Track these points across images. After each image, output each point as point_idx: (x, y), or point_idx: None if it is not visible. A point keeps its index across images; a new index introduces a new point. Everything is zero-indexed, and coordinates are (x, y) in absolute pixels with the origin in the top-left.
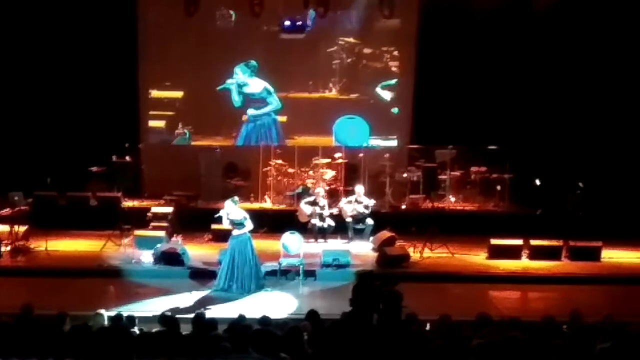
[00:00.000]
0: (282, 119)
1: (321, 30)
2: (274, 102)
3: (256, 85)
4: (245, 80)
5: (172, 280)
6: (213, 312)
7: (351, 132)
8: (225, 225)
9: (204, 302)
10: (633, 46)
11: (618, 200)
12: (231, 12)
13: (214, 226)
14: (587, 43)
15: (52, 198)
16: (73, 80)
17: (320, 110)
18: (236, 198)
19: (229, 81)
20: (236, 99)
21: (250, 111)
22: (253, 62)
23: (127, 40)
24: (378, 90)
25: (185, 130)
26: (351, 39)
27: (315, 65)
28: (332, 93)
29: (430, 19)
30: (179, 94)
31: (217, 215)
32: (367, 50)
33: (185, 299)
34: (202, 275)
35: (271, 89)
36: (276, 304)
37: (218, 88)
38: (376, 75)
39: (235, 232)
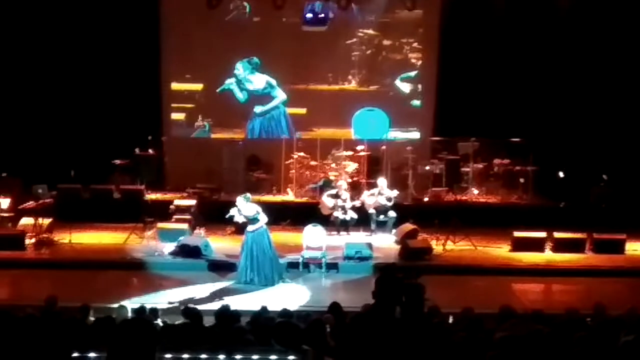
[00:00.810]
0: (301, 111)
1: (342, 22)
2: (279, 95)
3: (258, 81)
4: (247, 77)
5: (194, 272)
6: (235, 304)
7: (370, 124)
8: (240, 221)
9: (226, 294)
10: None
11: None
12: (245, 4)
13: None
14: (609, 35)
15: (75, 191)
16: (96, 74)
17: (340, 102)
18: (248, 195)
19: (227, 81)
20: (240, 96)
21: (258, 108)
22: (255, 59)
23: (149, 34)
24: (397, 82)
25: (205, 123)
26: (371, 31)
27: (335, 57)
28: (352, 85)
29: (453, 10)
30: (198, 86)
31: (228, 215)
32: (386, 42)
33: (207, 291)
34: (221, 267)
35: (274, 83)
36: (298, 296)
37: (218, 90)
38: (396, 67)
39: (250, 228)
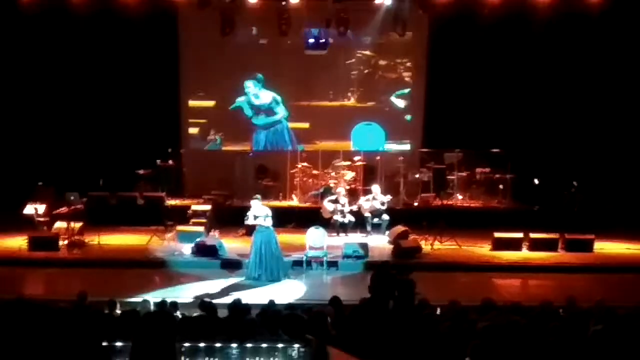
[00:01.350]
0: (304, 125)
1: (341, 45)
2: (280, 111)
3: (265, 96)
4: (257, 93)
5: (209, 269)
6: (245, 298)
7: (368, 137)
8: (252, 223)
9: (237, 289)
10: (621, 59)
11: (609, 197)
12: (253, 28)
13: (247, 222)
14: (578, 57)
15: (104, 198)
16: (122, 93)
17: (339, 117)
18: (258, 196)
19: (239, 99)
20: (249, 113)
21: (259, 120)
22: (260, 75)
23: (169, 57)
24: (392, 98)
25: (217, 137)
26: (368, 52)
27: (335, 76)
28: (351, 102)
29: (440, 33)
30: (211, 103)
31: (247, 219)
32: (382, 62)
33: (221, 287)
34: (233, 265)
35: (279, 99)
36: (302, 291)
37: (230, 107)
38: (391, 85)
39: (260, 226)
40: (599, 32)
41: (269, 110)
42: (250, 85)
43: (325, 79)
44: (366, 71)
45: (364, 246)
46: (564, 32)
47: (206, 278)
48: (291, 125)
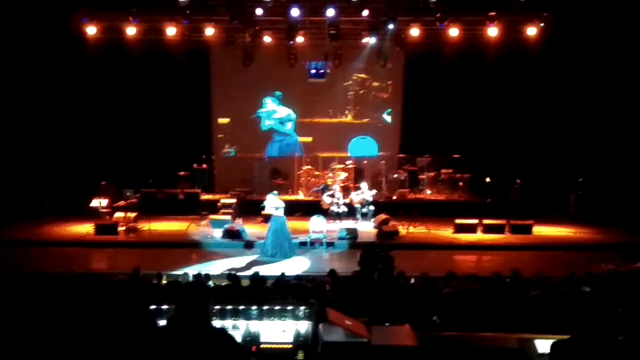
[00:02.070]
0: (308, 139)
1: (336, 74)
2: (288, 126)
3: (283, 111)
4: (275, 109)
5: (234, 249)
6: (262, 271)
7: (363, 147)
8: (267, 212)
9: (256, 265)
10: (552, 85)
11: (544, 191)
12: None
13: (264, 212)
14: (520, 81)
15: (153, 193)
16: (167, 113)
17: (338, 131)
18: (275, 192)
19: (261, 111)
20: (265, 125)
21: (270, 122)
22: (278, 93)
23: (203, 85)
24: (384, 115)
25: (231, 149)
26: (363, 75)
27: (333, 97)
28: (348, 118)
29: (413, 64)
30: (226, 120)
31: (262, 206)
32: (375, 84)
33: (244, 262)
34: (253, 245)
35: (293, 116)
36: (307, 265)
37: (253, 116)
38: (382, 104)
39: (275, 214)
40: (538, 63)
41: (282, 123)
42: (269, 102)
43: (325, 100)
44: (361, 92)
45: (353, 230)
46: (510, 63)
47: (232, 255)
48: (299, 139)
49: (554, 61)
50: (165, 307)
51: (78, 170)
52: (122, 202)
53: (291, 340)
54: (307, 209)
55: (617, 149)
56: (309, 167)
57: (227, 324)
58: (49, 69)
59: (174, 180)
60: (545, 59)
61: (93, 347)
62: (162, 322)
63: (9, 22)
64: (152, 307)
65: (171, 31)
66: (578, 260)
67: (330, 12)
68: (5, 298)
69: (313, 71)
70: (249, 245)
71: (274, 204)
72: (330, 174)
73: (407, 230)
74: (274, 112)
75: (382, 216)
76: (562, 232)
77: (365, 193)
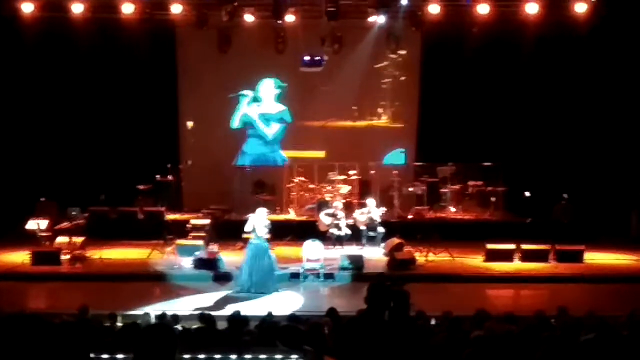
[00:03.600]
0: (318, 154)
1: (334, 63)
2: (273, 128)
3: (276, 107)
4: (272, 96)
5: (208, 282)
6: (244, 310)
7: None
8: (249, 229)
9: (232, 301)
10: (611, 74)
11: (598, 209)
12: None
13: (245, 235)
14: (570, 71)
15: (105, 212)
16: (121, 109)
17: (356, 139)
18: (264, 208)
19: (245, 91)
20: (243, 110)
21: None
22: (284, 84)
23: (168, 75)
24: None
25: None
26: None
27: (333, 94)
28: (382, 120)
29: (432, 50)
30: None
31: (246, 227)
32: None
33: (219, 299)
34: (228, 278)
35: (287, 118)
36: (300, 302)
37: (230, 95)
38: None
39: (253, 239)
40: (587, 48)
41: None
42: (266, 85)
43: (322, 97)
44: (402, 78)
45: (358, 258)
46: (553, 48)
47: (205, 290)
48: (304, 154)
49: (608, 45)
50: (120, 356)
51: (9, 183)
52: (65, 224)
53: None
54: (299, 232)
55: None
56: (302, 178)
57: None
58: None
59: (131, 195)
60: (597, 42)
61: None
62: None
63: None
64: (104, 356)
65: (127, 8)
66: None
67: None
68: None
69: (306, 58)
70: (221, 277)
71: (257, 221)
72: (329, 187)
73: (425, 258)
74: (259, 101)
75: (395, 240)
76: (620, 260)
77: (372, 211)
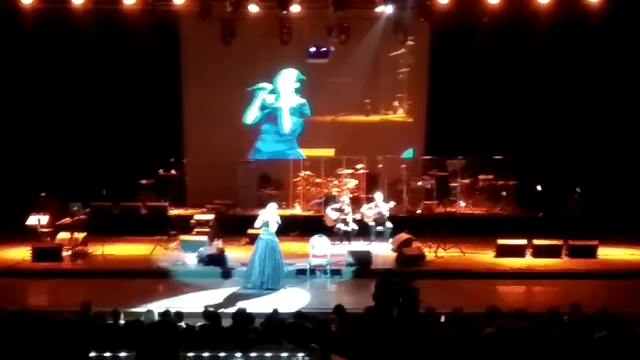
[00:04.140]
0: (327, 152)
1: (340, 54)
2: (287, 124)
3: (295, 100)
4: (291, 88)
5: (212, 279)
6: (248, 306)
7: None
8: (258, 225)
9: (239, 298)
10: (624, 65)
11: (612, 203)
12: None
13: (250, 231)
14: (581, 63)
15: (107, 208)
16: (124, 102)
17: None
18: (274, 203)
19: (263, 84)
20: (253, 115)
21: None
22: (304, 78)
23: (171, 67)
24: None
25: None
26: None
27: (340, 86)
28: (399, 114)
29: (441, 40)
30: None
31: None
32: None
33: (225, 295)
34: (231, 274)
35: (307, 111)
36: (306, 299)
37: (249, 89)
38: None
39: (263, 234)
40: (601, 37)
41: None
42: (289, 75)
43: (328, 91)
44: (409, 70)
45: (365, 254)
46: (566, 38)
47: (209, 287)
48: (313, 152)
49: (623, 35)
50: (123, 354)
51: (9, 178)
52: (67, 220)
53: None
54: (305, 227)
55: None
56: (308, 172)
57: None
58: None
59: (134, 190)
60: (611, 31)
61: None
62: None
63: None
64: (107, 354)
65: None
66: None
67: None
68: None
69: (313, 49)
70: (227, 274)
71: (267, 216)
72: (336, 182)
73: (435, 253)
74: (286, 94)
75: (403, 236)
76: (635, 256)
77: (380, 206)
